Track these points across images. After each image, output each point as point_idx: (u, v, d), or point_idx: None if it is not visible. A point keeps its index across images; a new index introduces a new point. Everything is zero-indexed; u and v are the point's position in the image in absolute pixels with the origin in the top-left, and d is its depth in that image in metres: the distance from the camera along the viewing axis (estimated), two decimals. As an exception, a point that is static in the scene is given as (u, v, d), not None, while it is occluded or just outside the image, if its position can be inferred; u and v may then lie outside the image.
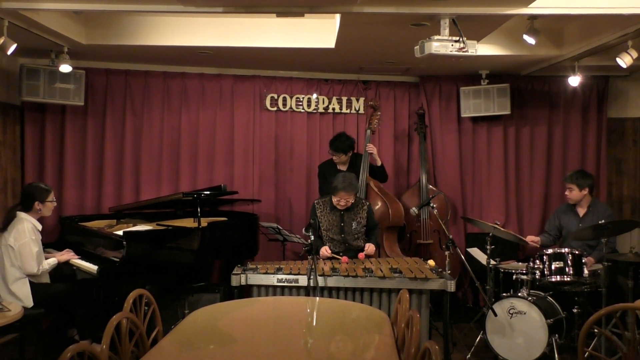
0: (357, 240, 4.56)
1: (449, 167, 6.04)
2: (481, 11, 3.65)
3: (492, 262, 4.68)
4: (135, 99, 5.73)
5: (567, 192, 4.97)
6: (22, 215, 4.17)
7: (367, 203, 4.68)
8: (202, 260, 4.62)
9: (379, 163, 5.40)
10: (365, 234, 4.65)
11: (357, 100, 5.98)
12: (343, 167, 5.29)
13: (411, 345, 2.39)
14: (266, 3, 3.62)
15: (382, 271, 3.92)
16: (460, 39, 3.53)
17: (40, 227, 4.25)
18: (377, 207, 5.29)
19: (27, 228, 4.10)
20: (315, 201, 4.68)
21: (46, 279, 4.31)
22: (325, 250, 4.43)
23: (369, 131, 5.45)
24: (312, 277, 3.71)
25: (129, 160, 5.71)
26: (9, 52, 3.94)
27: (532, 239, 5.03)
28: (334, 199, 4.47)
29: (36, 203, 4.20)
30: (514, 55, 5.00)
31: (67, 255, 4.48)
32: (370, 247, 4.48)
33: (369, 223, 4.62)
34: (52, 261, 4.30)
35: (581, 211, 4.97)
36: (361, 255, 4.37)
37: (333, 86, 6.03)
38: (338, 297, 3.88)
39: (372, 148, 5.36)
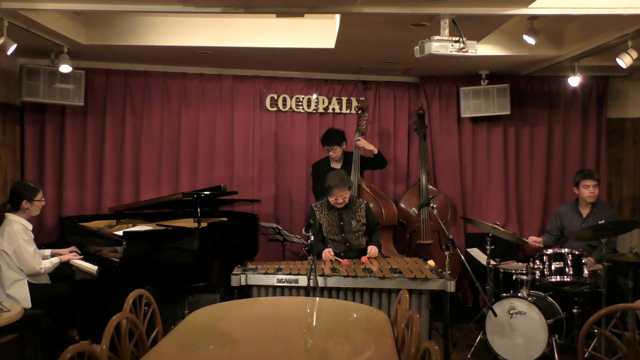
0: (358, 240, 4.55)
1: (449, 167, 6.04)
2: (481, 11, 3.65)
3: (492, 262, 4.68)
4: (135, 99, 5.73)
5: (592, 190, 4.84)
6: (10, 217, 4.13)
7: (364, 201, 4.66)
8: (202, 260, 4.62)
9: (375, 151, 5.40)
10: (367, 235, 4.63)
11: (357, 100, 5.98)
12: (337, 165, 5.31)
13: (411, 345, 2.39)
14: (266, 3, 3.62)
15: (382, 271, 3.92)
16: (460, 39, 3.53)
17: (30, 226, 4.23)
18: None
19: (17, 230, 4.08)
20: (313, 204, 4.68)
21: (46, 280, 4.31)
22: (328, 253, 4.40)
23: (357, 133, 5.45)
24: (312, 277, 3.71)
25: (129, 160, 5.71)
26: (9, 52, 3.94)
27: (534, 239, 5.02)
28: (331, 199, 4.45)
29: (24, 202, 4.17)
30: (513, 55, 5.00)
31: (69, 255, 4.48)
32: (372, 250, 4.43)
33: (369, 222, 4.60)
34: (54, 260, 4.31)
35: (584, 211, 4.96)
36: (364, 258, 4.30)
37: (333, 86, 6.02)
38: (338, 298, 3.88)
39: (360, 141, 5.36)
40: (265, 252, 5.72)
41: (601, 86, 5.97)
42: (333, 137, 5.23)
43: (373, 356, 2.58)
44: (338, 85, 6.03)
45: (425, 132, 5.90)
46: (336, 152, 5.25)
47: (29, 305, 4.02)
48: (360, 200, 4.67)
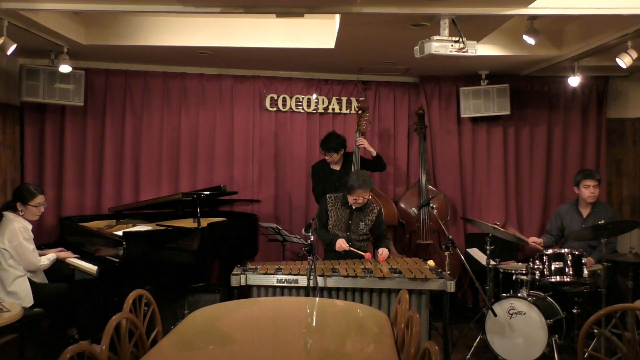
0: (361, 242, 4.51)
1: (449, 168, 6.04)
2: (481, 11, 3.65)
3: (492, 262, 4.68)
4: (135, 99, 5.73)
5: (592, 191, 4.82)
6: (10, 216, 4.16)
7: (378, 208, 4.59)
8: (201, 260, 4.61)
9: (374, 154, 5.37)
10: (375, 240, 4.57)
11: (357, 100, 5.97)
12: (336, 167, 5.31)
13: (411, 345, 2.39)
14: (266, 3, 3.62)
15: (381, 271, 3.91)
16: (460, 39, 3.53)
17: (30, 226, 4.23)
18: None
19: (17, 228, 4.10)
20: (328, 195, 4.65)
21: (43, 279, 4.30)
22: (342, 243, 4.36)
23: (358, 133, 5.45)
24: (311, 277, 3.71)
25: (128, 160, 5.71)
26: (9, 52, 3.94)
27: (534, 240, 5.01)
28: (351, 198, 4.41)
29: (18, 204, 4.19)
30: (513, 55, 5.00)
31: (66, 253, 4.49)
32: (384, 252, 4.33)
33: (377, 228, 4.52)
34: (51, 256, 4.34)
35: (585, 212, 4.96)
36: (381, 258, 4.26)
37: (333, 86, 6.02)
38: (338, 298, 3.87)
39: (362, 141, 5.35)
40: (265, 252, 5.72)
41: (601, 86, 5.97)
42: (331, 142, 5.21)
43: (373, 356, 2.58)
44: (338, 86, 6.03)
45: (425, 132, 5.90)
46: (332, 158, 5.25)
47: (31, 302, 4.02)
48: (374, 205, 4.60)
